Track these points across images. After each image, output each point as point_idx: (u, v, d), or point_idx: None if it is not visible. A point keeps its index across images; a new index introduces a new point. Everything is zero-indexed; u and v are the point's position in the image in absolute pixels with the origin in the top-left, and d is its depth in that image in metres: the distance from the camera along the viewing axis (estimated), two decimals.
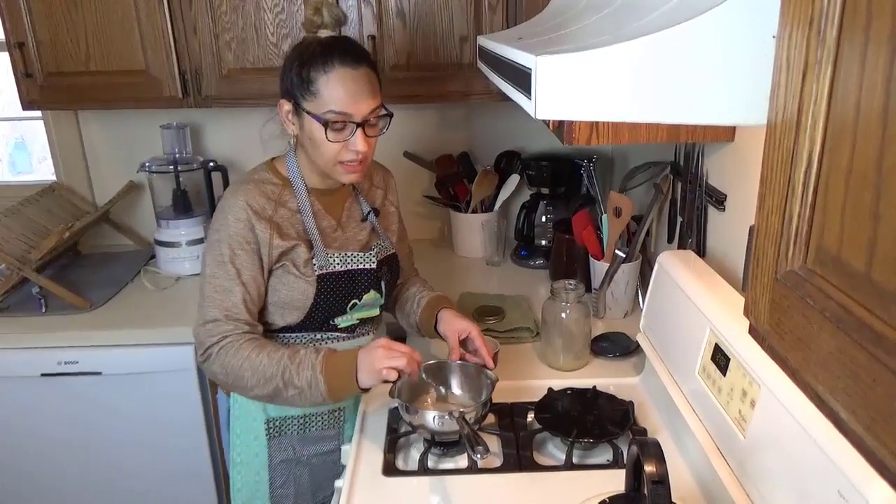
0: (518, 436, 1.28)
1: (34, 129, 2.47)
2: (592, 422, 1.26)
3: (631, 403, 1.32)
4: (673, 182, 1.63)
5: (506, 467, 1.21)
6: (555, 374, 1.51)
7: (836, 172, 0.46)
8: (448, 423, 1.20)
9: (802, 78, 0.49)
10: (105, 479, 1.97)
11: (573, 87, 0.77)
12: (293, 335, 1.37)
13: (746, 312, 0.59)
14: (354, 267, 1.36)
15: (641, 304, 1.64)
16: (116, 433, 1.92)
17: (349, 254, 1.36)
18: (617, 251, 1.70)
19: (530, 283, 2.03)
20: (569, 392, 1.36)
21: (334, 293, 1.34)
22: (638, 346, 1.52)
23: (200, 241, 2.12)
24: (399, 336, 1.55)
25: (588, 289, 1.74)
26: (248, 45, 1.91)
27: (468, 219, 2.23)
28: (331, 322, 1.37)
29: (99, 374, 1.85)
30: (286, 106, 1.29)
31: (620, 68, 0.75)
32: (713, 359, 1.12)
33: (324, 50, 1.24)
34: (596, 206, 1.84)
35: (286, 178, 1.35)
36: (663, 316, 1.38)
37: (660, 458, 0.83)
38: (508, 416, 1.34)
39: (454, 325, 1.39)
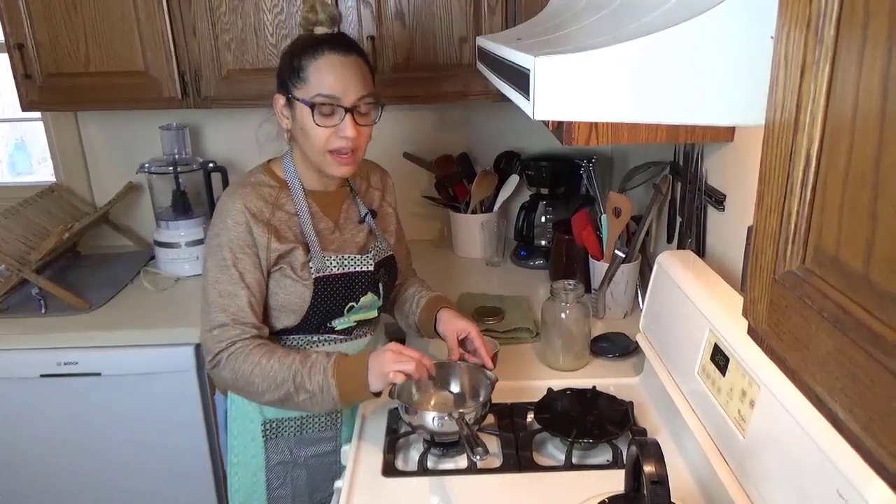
0: (518, 436, 1.28)
1: (34, 130, 2.47)
2: (592, 422, 1.26)
3: (630, 404, 1.32)
4: (672, 182, 1.63)
5: (505, 468, 1.21)
6: (554, 375, 1.51)
7: (834, 172, 0.46)
8: (447, 424, 1.20)
9: (800, 76, 0.49)
10: (104, 480, 1.97)
11: (572, 88, 0.76)
12: (290, 338, 1.37)
13: (745, 313, 0.59)
14: (352, 269, 1.36)
15: (641, 305, 1.64)
16: (116, 434, 1.92)
17: (346, 256, 1.36)
18: (616, 251, 1.70)
19: (530, 283, 2.03)
20: (568, 392, 1.36)
21: (331, 296, 1.34)
22: (637, 346, 1.52)
23: (200, 241, 2.12)
24: (398, 337, 1.55)
25: (587, 289, 1.74)
26: (247, 46, 1.91)
27: (468, 219, 2.23)
28: (328, 324, 1.37)
29: (98, 374, 1.85)
30: (280, 100, 1.30)
31: (619, 69, 0.75)
32: (713, 359, 1.12)
33: (316, 40, 1.26)
34: (595, 206, 1.84)
35: (283, 181, 1.35)
36: (663, 316, 1.38)
37: (659, 458, 0.83)
38: (508, 417, 1.34)
39: (453, 324, 1.39)
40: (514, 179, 2.22)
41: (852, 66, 0.43)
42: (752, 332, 0.58)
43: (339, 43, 1.27)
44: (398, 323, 1.59)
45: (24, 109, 2.00)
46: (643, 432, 1.27)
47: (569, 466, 1.20)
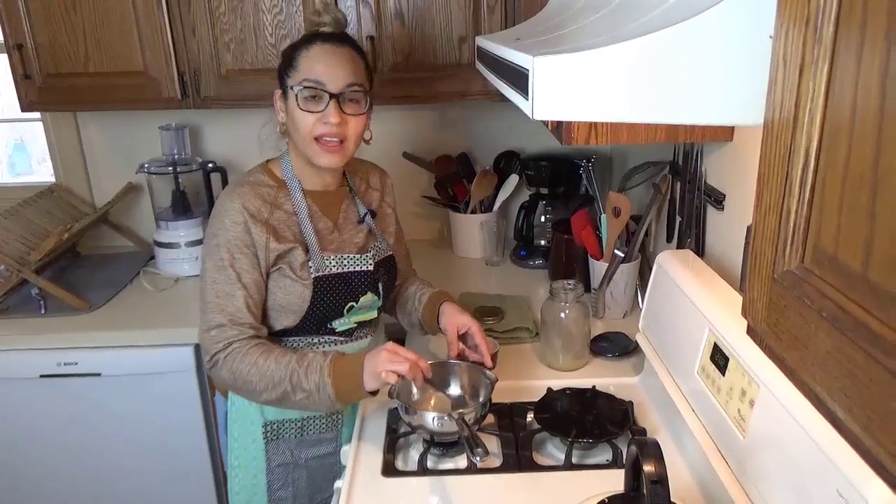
0: (517, 436, 1.28)
1: (34, 130, 2.47)
2: (592, 422, 1.26)
3: (630, 403, 1.31)
4: (672, 182, 1.63)
5: (505, 467, 1.21)
6: (554, 374, 1.51)
7: (833, 171, 0.46)
8: (447, 424, 1.20)
9: (799, 75, 0.49)
10: (104, 481, 1.97)
11: (571, 88, 0.76)
12: (290, 339, 1.37)
13: (744, 312, 0.59)
14: (351, 269, 1.36)
15: (640, 304, 1.64)
16: (116, 434, 1.92)
17: (345, 256, 1.36)
18: (616, 251, 1.70)
19: (529, 283, 2.03)
20: (568, 392, 1.36)
21: (331, 296, 1.34)
22: (637, 345, 1.52)
23: (200, 242, 2.12)
24: (398, 338, 1.55)
25: (587, 289, 1.74)
26: (246, 47, 1.91)
27: (467, 219, 2.23)
28: (328, 325, 1.37)
29: (98, 375, 1.85)
30: (277, 94, 1.32)
31: (618, 68, 0.75)
32: (712, 358, 1.11)
33: (313, 34, 1.29)
34: (595, 205, 1.84)
35: (281, 180, 1.35)
36: (662, 316, 1.38)
37: (659, 457, 0.83)
38: (508, 417, 1.34)
39: (455, 319, 1.39)
40: (513, 179, 2.22)
41: (851, 65, 0.43)
42: (751, 331, 0.58)
43: (334, 35, 1.29)
44: (400, 322, 1.59)
45: (23, 110, 2.00)
46: (643, 432, 1.27)
47: (568, 466, 1.20)
